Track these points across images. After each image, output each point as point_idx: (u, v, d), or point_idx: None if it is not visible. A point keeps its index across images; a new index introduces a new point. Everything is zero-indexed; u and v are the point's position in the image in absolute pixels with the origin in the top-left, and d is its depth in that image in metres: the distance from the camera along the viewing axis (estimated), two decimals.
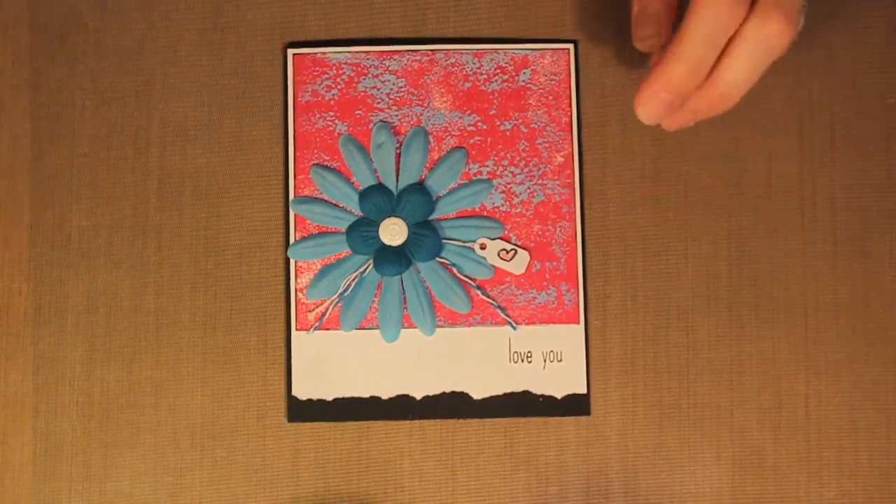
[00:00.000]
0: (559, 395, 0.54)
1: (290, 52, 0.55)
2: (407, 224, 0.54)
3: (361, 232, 0.54)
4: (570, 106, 0.55)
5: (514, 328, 0.54)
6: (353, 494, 0.54)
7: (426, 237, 0.54)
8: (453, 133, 0.55)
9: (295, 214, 0.54)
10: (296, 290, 0.54)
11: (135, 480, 0.53)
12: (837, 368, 0.55)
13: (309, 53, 0.55)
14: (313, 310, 0.54)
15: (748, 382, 0.54)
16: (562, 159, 0.55)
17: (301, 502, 0.53)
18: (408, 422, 0.54)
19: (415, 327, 0.54)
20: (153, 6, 0.55)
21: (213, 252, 0.54)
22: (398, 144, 0.54)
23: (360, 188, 0.54)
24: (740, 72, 0.43)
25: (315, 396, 0.54)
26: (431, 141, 0.54)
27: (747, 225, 0.55)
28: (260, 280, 0.54)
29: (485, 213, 0.54)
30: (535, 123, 0.55)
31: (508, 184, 0.55)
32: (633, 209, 0.55)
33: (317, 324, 0.54)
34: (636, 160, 0.55)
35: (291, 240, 0.54)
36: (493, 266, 0.54)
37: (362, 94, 0.55)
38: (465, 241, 0.54)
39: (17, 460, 0.53)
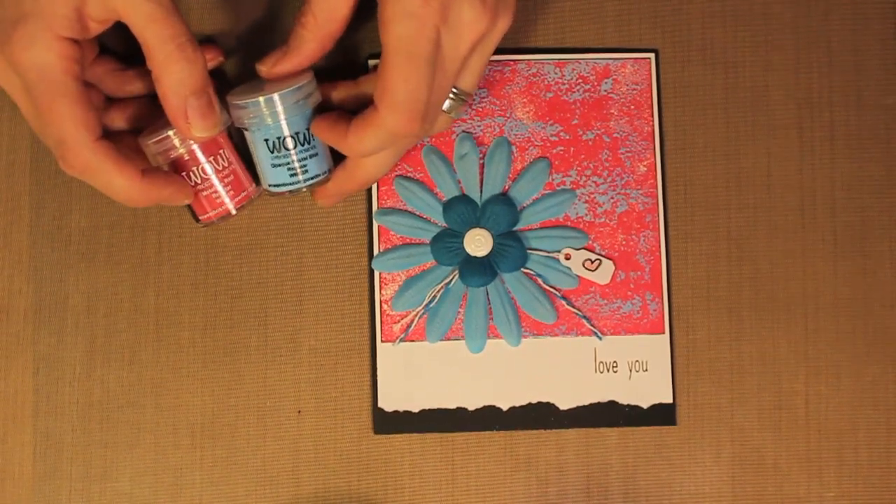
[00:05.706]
0: (645, 405, 0.54)
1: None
2: (491, 235, 0.53)
3: (446, 243, 0.53)
4: (653, 115, 0.54)
5: (600, 338, 0.54)
6: (353, 494, 0.53)
7: (511, 248, 0.53)
8: (536, 143, 0.54)
9: (378, 226, 0.54)
10: (381, 301, 0.54)
11: (135, 480, 0.53)
12: (837, 368, 0.54)
13: None
14: (398, 321, 0.54)
15: (748, 382, 0.54)
16: (645, 169, 0.54)
17: (301, 502, 0.53)
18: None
19: (500, 338, 0.54)
20: None
21: (213, 252, 0.54)
22: (481, 155, 0.54)
23: (444, 199, 0.54)
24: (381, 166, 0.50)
25: (401, 408, 0.54)
26: (514, 151, 0.54)
27: (747, 225, 0.55)
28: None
29: (569, 224, 0.54)
30: (618, 133, 0.54)
31: (592, 193, 0.54)
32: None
33: (402, 335, 0.54)
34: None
35: (375, 251, 0.54)
36: (578, 276, 0.54)
37: None
38: (549, 252, 0.54)
39: (17, 460, 0.53)
